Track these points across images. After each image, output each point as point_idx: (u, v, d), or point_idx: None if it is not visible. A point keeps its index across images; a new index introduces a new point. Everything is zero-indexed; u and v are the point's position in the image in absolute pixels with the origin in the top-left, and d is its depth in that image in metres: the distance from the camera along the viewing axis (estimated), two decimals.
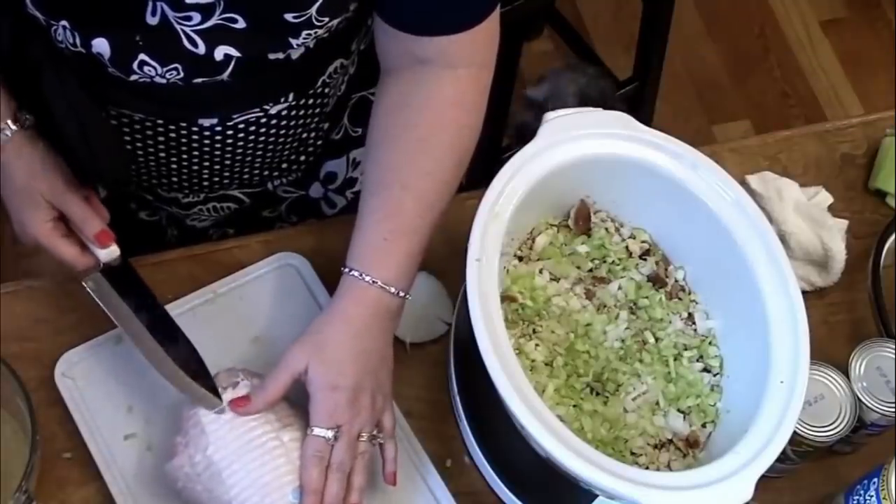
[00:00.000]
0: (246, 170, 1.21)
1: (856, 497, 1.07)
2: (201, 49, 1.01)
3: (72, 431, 1.09)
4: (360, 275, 1.04)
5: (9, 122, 1.04)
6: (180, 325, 1.14)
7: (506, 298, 1.08)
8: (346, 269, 1.06)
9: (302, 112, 1.17)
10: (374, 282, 1.04)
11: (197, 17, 0.99)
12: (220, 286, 1.17)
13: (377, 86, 1.13)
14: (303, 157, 1.27)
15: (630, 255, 1.16)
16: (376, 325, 1.05)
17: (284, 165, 1.26)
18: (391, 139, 1.08)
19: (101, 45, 1.00)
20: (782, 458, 1.00)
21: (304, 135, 1.22)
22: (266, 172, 1.25)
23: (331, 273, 1.18)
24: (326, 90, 1.18)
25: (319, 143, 1.27)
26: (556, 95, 1.97)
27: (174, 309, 1.15)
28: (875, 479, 1.05)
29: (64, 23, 1.00)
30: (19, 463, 1.00)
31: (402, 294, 1.06)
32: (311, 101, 1.17)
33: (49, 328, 1.14)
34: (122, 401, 1.10)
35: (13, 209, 1.07)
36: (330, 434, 1.02)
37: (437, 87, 1.08)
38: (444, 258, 1.21)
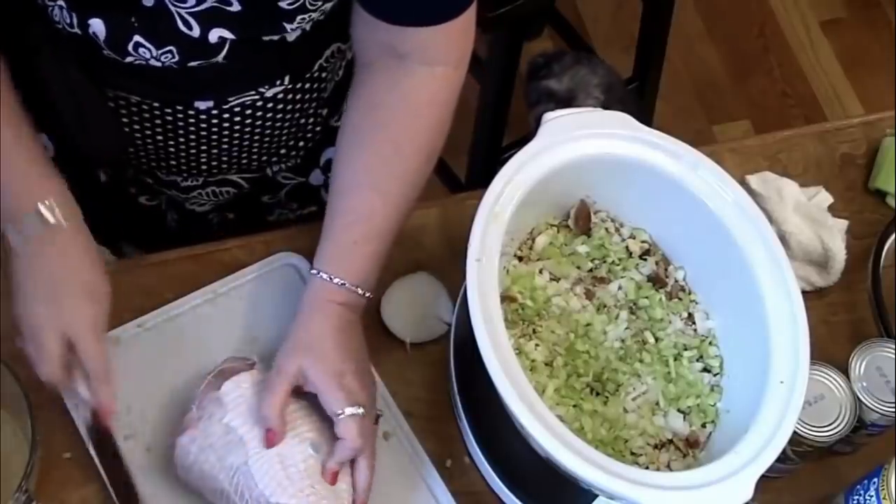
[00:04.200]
0: (244, 154, 1.21)
1: (856, 497, 1.07)
2: (196, 31, 1.01)
3: (72, 431, 1.09)
4: (330, 277, 1.06)
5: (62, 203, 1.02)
6: (180, 324, 1.14)
7: (506, 298, 1.08)
8: (315, 272, 1.07)
9: (298, 96, 1.17)
10: (342, 283, 1.06)
11: None
12: (220, 286, 1.17)
13: (352, 80, 1.13)
14: (301, 143, 1.27)
15: (630, 255, 1.16)
16: (348, 319, 1.06)
17: (283, 151, 1.26)
18: (364, 139, 1.09)
19: (96, 26, 1.00)
20: (782, 458, 1.00)
21: (302, 120, 1.22)
22: (265, 157, 1.25)
23: None
24: (324, 74, 1.18)
25: (318, 129, 1.27)
26: (580, 87, 1.98)
27: (174, 309, 1.15)
28: (875, 479, 1.05)
29: (61, 2, 1.00)
30: (19, 463, 1.00)
31: (367, 295, 1.08)
32: (307, 86, 1.17)
33: None
34: (122, 401, 1.10)
35: (46, 298, 1.01)
36: (361, 410, 1.02)
37: (413, 85, 1.08)
38: (444, 258, 1.21)
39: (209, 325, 1.15)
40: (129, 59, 1.03)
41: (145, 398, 1.10)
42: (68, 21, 1.01)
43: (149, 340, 1.13)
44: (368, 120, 1.09)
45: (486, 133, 2.08)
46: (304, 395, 1.05)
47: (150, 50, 1.02)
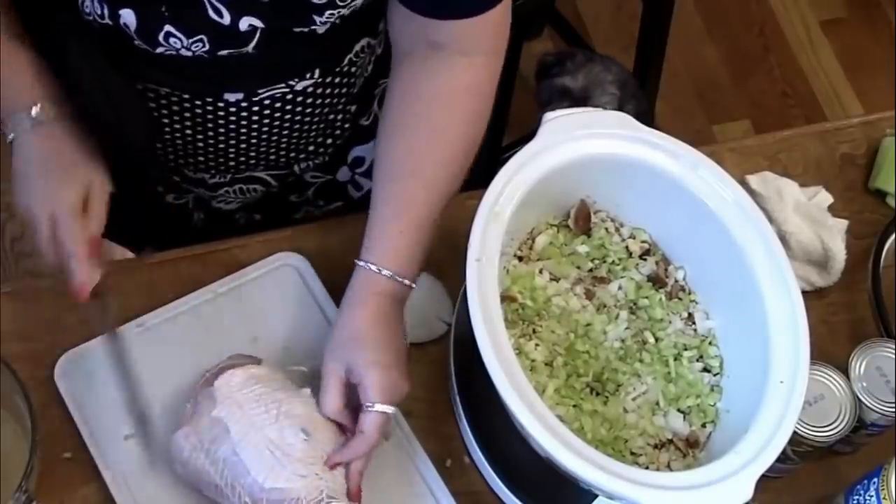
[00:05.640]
0: (272, 150, 1.21)
1: (856, 497, 1.07)
2: (226, 19, 1.01)
3: (72, 431, 1.09)
4: (379, 269, 1.06)
5: (42, 105, 1.06)
6: (181, 324, 1.14)
7: (506, 298, 1.08)
8: (363, 263, 1.06)
9: (328, 91, 1.17)
10: (391, 275, 1.06)
11: None
12: (220, 286, 1.17)
13: (390, 71, 1.13)
14: (329, 141, 1.27)
15: (630, 255, 1.16)
16: (394, 311, 1.07)
17: (311, 148, 1.26)
18: (405, 128, 1.09)
19: (127, 16, 1.01)
20: (782, 458, 1.00)
21: (331, 116, 1.22)
22: (293, 154, 1.25)
23: (331, 273, 1.18)
24: (353, 69, 1.18)
25: (347, 126, 1.27)
26: (595, 84, 1.98)
27: (174, 309, 1.15)
28: (875, 479, 1.05)
29: None
30: (19, 463, 1.00)
31: (412, 284, 1.08)
32: (337, 80, 1.17)
33: (49, 328, 1.14)
34: (123, 400, 1.10)
35: (39, 182, 1.06)
36: (392, 410, 1.03)
37: (451, 74, 1.08)
38: (444, 258, 1.21)
39: (209, 325, 1.15)
40: (159, 49, 1.03)
41: (145, 398, 1.10)
42: (99, 12, 1.01)
43: (149, 340, 1.13)
44: (409, 108, 1.09)
45: (487, 133, 2.07)
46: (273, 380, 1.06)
47: (180, 40, 1.02)
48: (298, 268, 1.19)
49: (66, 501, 1.07)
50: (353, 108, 1.25)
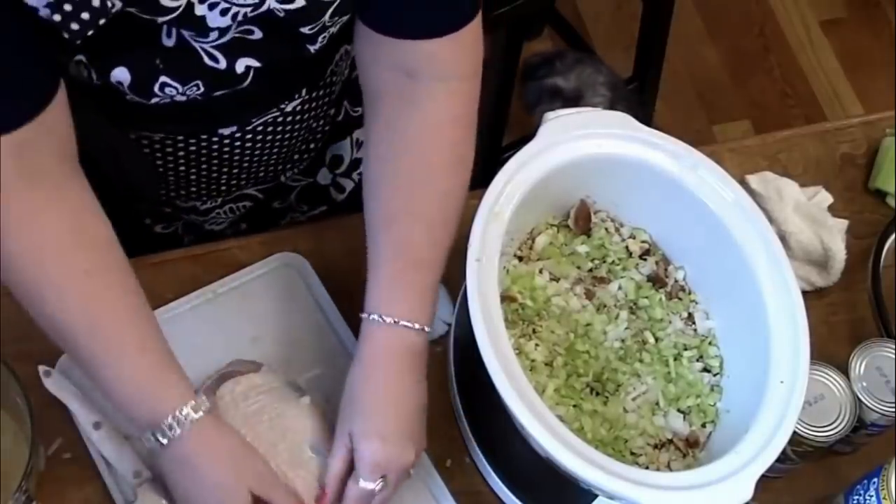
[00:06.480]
0: (262, 168, 1.21)
1: (856, 497, 1.07)
2: (222, 64, 1.00)
3: (72, 431, 1.09)
4: (380, 317, 1.00)
5: (192, 403, 0.95)
6: (181, 324, 1.14)
7: (506, 298, 1.08)
8: (366, 315, 1.01)
9: (314, 104, 1.17)
10: (395, 321, 1.00)
11: (214, 33, 0.97)
12: (220, 286, 1.17)
13: (365, 114, 1.09)
14: (312, 145, 1.26)
15: (630, 255, 1.16)
16: (405, 366, 1.01)
17: (296, 156, 1.25)
18: (392, 168, 1.04)
19: (120, 75, 0.98)
20: (782, 458, 1.00)
21: (314, 124, 1.21)
22: (280, 167, 1.24)
23: (330, 273, 1.19)
24: (334, 78, 1.18)
25: (327, 128, 1.26)
26: (587, 85, 1.99)
27: (174, 309, 1.15)
28: (875, 479, 1.05)
29: (79, 57, 0.97)
30: (19, 463, 1.00)
31: (425, 329, 1.02)
32: (322, 92, 1.16)
33: None
34: None
35: None
36: (377, 486, 0.99)
37: (431, 104, 1.04)
38: None
39: (209, 325, 1.15)
40: (154, 99, 1.01)
41: None
42: (86, 75, 0.99)
43: None
44: (393, 147, 1.04)
45: (486, 133, 2.08)
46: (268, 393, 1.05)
47: (176, 88, 1.00)
48: (298, 268, 1.19)
49: (66, 501, 1.07)
50: (332, 111, 1.24)
